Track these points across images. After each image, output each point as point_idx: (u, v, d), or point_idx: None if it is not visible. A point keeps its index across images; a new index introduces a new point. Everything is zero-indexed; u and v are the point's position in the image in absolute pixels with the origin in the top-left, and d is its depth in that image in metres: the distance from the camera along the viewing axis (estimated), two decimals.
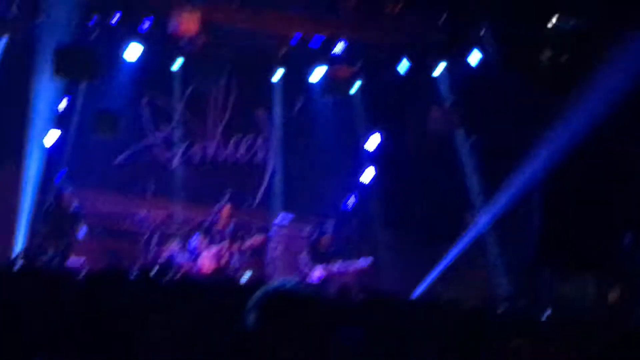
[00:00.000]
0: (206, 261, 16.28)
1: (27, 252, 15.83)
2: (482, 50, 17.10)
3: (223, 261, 16.30)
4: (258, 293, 3.37)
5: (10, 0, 16.27)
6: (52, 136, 17.28)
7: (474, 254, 17.58)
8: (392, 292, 11.97)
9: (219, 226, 16.53)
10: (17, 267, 11.21)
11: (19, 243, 16.66)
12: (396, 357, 5.98)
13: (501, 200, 16.96)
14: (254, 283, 11.17)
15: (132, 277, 10.44)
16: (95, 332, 5.99)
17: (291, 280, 3.44)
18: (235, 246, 16.51)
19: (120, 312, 6.85)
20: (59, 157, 17.58)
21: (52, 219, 16.12)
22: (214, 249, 16.30)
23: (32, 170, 17.10)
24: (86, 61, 15.38)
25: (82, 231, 16.11)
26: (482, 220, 17.63)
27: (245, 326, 3.35)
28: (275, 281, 3.44)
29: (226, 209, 16.68)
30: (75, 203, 16.32)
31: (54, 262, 15.22)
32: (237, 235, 16.79)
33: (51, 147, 17.34)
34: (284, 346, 3.28)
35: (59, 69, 15.29)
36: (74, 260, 16.09)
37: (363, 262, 16.58)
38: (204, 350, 5.00)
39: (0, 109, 16.42)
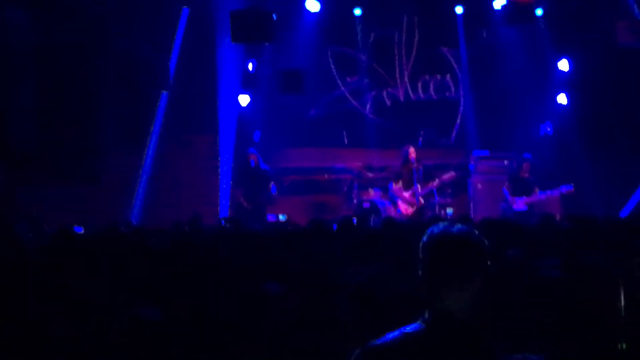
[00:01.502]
0: (404, 204, 16.33)
1: (230, 214, 16.37)
2: None
3: (420, 202, 16.28)
4: (424, 236, 3.40)
5: None
6: (243, 99, 17.67)
7: None
8: (598, 216, 11.71)
9: (410, 168, 16.41)
10: (225, 230, 11.57)
11: (224, 206, 17.24)
12: (606, 280, 5.84)
13: None
14: (458, 219, 11.08)
15: (335, 227, 10.63)
16: (300, 279, 6.16)
17: (456, 224, 3.44)
18: (430, 185, 16.41)
19: (325, 260, 7.02)
20: (252, 119, 18.02)
21: (247, 179, 16.62)
22: (409, 192, 16.30)
23: (228, 135, 17.60)
24: (261, 24, 15.43)
25: (272, 188, 16.50)
26: None
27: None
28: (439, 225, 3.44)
29: (413, 151, 16.51)
30: (262, 162, 16.70)
31: (255, 221, 15.66)
32: (432, 175, 16.70)
33: (243, 110, 17.76)
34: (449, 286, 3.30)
35: (236, 35, 15.45)
36: (279, 218, 16.52)
37: (564, 189, 16.26)
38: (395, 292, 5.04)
39: (190, 77, 16.89)
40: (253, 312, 4.80)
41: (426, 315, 3.32)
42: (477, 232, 3.35)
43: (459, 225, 3.36)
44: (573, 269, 6.00)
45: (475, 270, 3.30)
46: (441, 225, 3.39)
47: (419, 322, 3.32)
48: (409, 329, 3.31)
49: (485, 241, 3.34)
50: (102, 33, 16.39)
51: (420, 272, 3.35)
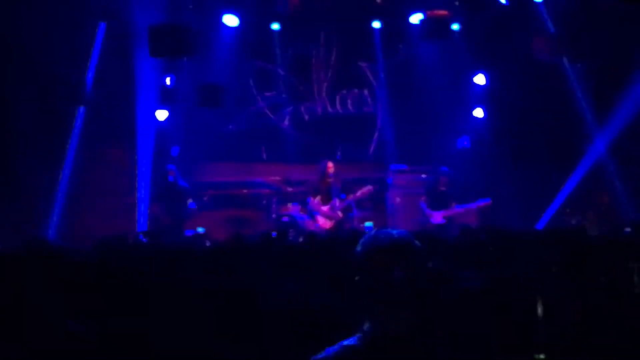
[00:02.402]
0: (323, 218, 16.37)
1: (148, 229, 16.25)
2: None
3: (338, 216, 16.32)
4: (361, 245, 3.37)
5: None
6: (161, 114, 17.57)
7: (594, 180, 17.34)
8: (515, 228, 11.90)
9: (328, 183, 16.46)
10: (142, 244, 11.47)
11: (141, 221, 17.07)
12: (524, 291, 5.94)
13: (615, 123, 16.68)
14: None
15: (254, 242, 10.62)
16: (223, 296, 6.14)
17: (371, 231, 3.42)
18: (348, 199, 16.43)
19: (248, 275, 7.01)
20: (170, 134, 17.92)
21: (165, 195, 16.59)
22: (328, 206, 16.35)
23: (146, 149, 17.44)
24: (180, 38, 15.32)
25: (191, 204, 16.50)
26: (598, 145, 17.36)
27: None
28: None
29: (331, 165, 16.54)
30: (180, 178, 16.69)
31: (172, 236, 15.55)
32: (350, 189, 16.72)
33: (162, 124, 17.65)
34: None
35: (154, 50, 15.31)
36: (197, 231, 16.42)
37: (482, 202, 16.47)
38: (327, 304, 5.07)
39: (107, 92, 16.71)
40: (179, 329, 4.79)
41: (365, 329, 3.29)
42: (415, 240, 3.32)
43: (398, 230, 3.33)
44: (492, 280, 6.08)
45: (417, 281, 3.26)
46: (380, 231, 3.34)
47: (358, 335, 3.30)
48: (347, 342, 3.28)
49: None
50: (17, 48, 16.12)
51: (356, 284, 3.30)
